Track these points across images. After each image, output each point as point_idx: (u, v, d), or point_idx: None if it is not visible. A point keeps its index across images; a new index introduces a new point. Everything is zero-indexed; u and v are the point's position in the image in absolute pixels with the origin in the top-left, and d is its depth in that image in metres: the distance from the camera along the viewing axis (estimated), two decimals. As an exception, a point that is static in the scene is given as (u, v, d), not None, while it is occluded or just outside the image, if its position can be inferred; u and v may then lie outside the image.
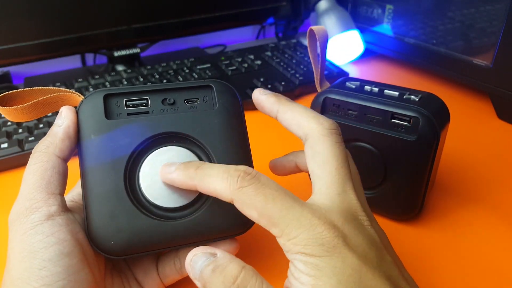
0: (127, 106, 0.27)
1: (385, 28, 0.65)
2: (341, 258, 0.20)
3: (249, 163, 0.28)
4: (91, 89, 0.55)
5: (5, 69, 0.63)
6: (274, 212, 0.21)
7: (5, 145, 0.45)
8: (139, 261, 0.29)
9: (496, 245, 0.35)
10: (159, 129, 0.27)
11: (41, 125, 0.48)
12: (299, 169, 0.30)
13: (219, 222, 0.27)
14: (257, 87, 0.57)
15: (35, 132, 0.47)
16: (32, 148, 0.44)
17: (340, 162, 0.24)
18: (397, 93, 0.34)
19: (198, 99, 0.28)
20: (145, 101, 0.27)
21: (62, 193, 0.25)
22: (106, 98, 0.27)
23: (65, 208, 0.24)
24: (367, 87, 0.35)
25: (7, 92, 0.27)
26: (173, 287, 0.31)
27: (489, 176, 0.43)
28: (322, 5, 0.69)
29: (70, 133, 0.25)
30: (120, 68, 0.65)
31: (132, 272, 0.29)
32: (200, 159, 0.27)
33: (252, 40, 0.88)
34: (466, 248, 0.34)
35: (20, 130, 0.47)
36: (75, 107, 0.27)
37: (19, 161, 0.45)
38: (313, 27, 0.31)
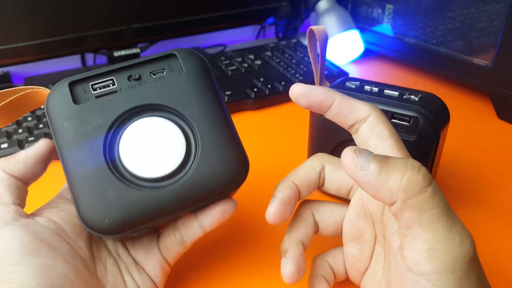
0: (94, 89, 0.27)
1: (385, 28, 0.65)
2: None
3: (226, 120, 0.28)
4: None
5: (5, 69, 0.63)
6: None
7: (5, 145, 0.45)
8: (138, 243, 0.29)
9: (496, 245, 0.35)
10: (130, 103, 0.26)
11: (41, 125, 0.48)
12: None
13: (209, 182, 0.26)
14: (257, 87, 0.57)
15: (35, 132, 0.47)
16: (32, 148, 0.45)
17: (397, 135, 0.26)
18: (397, 93, 0.34)
19: (164, 69, 0.28)
20: (111, 81, 0.27)
21: (16, 203, 0.25)
22: (71, 85, 0.26)
23: (23, 215, 0.24)
24: (367, 87, 0.35)
25: None
26: (174, 287, 0.31)
27: (489, 176, 0.43)
28: (322, 5, 0.69)
29: (30, 161, 0.26)
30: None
31: (132, 256, 0.28)
32: (178, 125, 0.27)
33: (252, 40, 0.88)
34: (466, 248, 0.34)
35: (20, 130, 0.47)
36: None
37: (19, 161, 0.45)
38: (313, 27, 0.31)
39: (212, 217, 0.28)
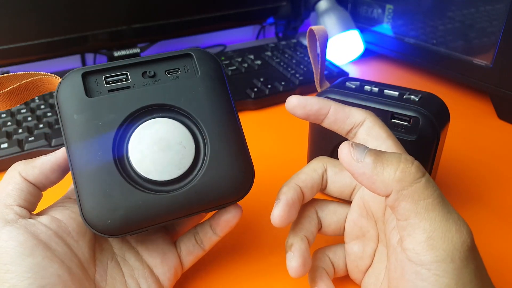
0: (107, 82, 0.26)
1: (385, 28, 0.65)
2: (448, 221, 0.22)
3: (237, 128, 0.27)
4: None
5: (5, 69, 0.63)
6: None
7: (5, 145, 0.45)
8: (154, 246, 0.29)
9: (496, 245, 0.35)
10: (143, 102, 0.26)
11: (41, 125, 0.48)
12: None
13: (215, 190, 0.26)
14: (257, 87, 0.57)
15: (35, 132, 0.47)
16: (32, 149, 0.45)
17: (394, 136, 0.26)
18: (397, 93, 0.34)
19: (179, 69, 0.28)
20: (125, 76, 0.26)
21: (23, 206, 0.25)
22: (84, 76, 0.26)
23: (24, 216, 0.25)
24: (367, 87, 0.35)
25: None
26: None
27: (489, 176, 0.43)
28: (322, 5, 0.69)
29: (46, 168, 0.26)
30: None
31: (141, 260, 0.28)
32: (188, 128, 0.26)
33: (252, 40, 0.88)
34: (466, 248, 0.34)
35: (20, 130, 0.47)
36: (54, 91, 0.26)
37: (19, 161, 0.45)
38: (313, 27, 0.31)
39: (220, 225, 0.29)
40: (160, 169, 0.25)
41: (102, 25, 0.60)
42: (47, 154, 0.26)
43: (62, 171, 0.27)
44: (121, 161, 0.25)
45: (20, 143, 0.45)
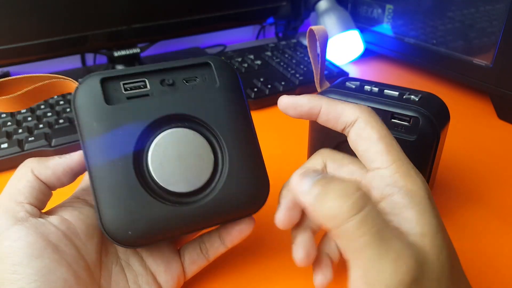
0: (125, 89, 0.26)
1: (385, 28, 0.65)
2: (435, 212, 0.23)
3: (254, 141, 0.28)
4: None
5: (5, 69, 0.63)
6: (393, 143, 0.24)
7: (5, 145, 0.45)
8: (159, 253, 0.28)
9: (496, 245, 0.35)
10: (163, 111, 0.26)
11: (41, 125, 0.48)
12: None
13: (233, 203, 0.26)
14: (257, 87, 0.57)
15: (35, 132, 0.47)
16: (32, 149, 0.45)
17: (390, 135, 0.25)
18: (397, 93, 0.34)
19: (197, 77, 0.27)
20: (143, 83, 0.26)
21: (34, 204, 0.25)
22: (103, 82, 0.25)
23: (34, 215, 0.24)
24: (367, 87, 0.35)
25: None
26: None
27: (489, 176, 0.43)
28: (322, 5, 0.69)
29: (59, 169, 0.26)
30: (120, 68, 0.65)
31: (145, 266, 0.28)
32: (207, 139, 0.26)
33: (252, 40, 0.88)
34: (466, 248, 0.34)
35: (20, 130, 0.47)
36: (71, 94, 0.26)
37: (19, 161, 0.44)
38: (313, 27, 0.31)
39: (232, 236, 0.29)
40: (180, 181, 0.25)
41: (102, 25, 0.60)
42: (61, 155, 0.26)
43: (74, 175, 0.26)
44: (141, 172, 0.25)
45: (20, 143, 0.45)
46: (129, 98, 0.26)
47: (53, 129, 0.48)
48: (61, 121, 0.49)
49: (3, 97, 0.25)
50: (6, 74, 0.62)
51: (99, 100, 0.25)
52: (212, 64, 0.28)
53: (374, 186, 0.24)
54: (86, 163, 0.25)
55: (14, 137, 0.46)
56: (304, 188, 0.22)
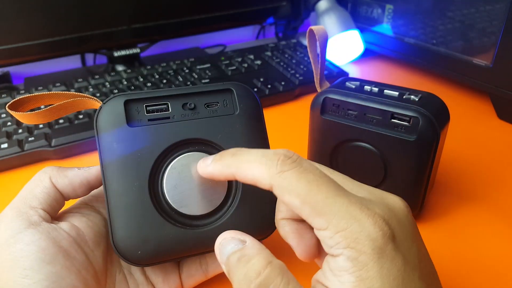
0: (148, 111, 0.27)
1: (385, 28, 0.65)
2: (390, 258, 0.18)
3: None
4: (91, 89, 0.55)
5: (5, 69, 0.63)
6: (319, 199, 0.19)
7: (5, 145, 0.45)
8: (158, 265, 0.29)
9: (496, 245, 0.35)
10: (182, 135, 0.26)
11: (41, 125, 0.48)
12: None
13: (244, 228, 0.26)
14: (257, 87, 0.57)
15: (35, 132, 0.47)
16: (32, 149, 0.45)
17: (312, 185, 0.20)
18: (397, 93, 0.34)
19: (218, 103, 0.28)
20: (165, 106, 0.27)
21: (47, 210, 0.25)
22: (126, 103, 0.26)
23: (47, 219, 0.25)
24: (367, 87, 0.35)
25: (21, 97, 0.27)
26: None
27: (489, 176, 0.43)
28: (322, 5, 0.69)
29: (76, 181, 0.26)
30: (120, 68, 0.65)
31: (145, 276, 0.28)
32: None
33: (252, 40, 0.88)
34: (466, 248, 0.34)
35: (20, 130, 0.47)
36: (93, 112, 0.27)
37: (19, 161, 0.45)
38: (313, 27, 0.31)
39: None
40: (192, 204, 0.26)
41: (102, 25, 0.60)
42: (80, 167, 0.27)
43: (89, 188, 0.27)
44: (155, 193, 0.26)
45: (20, 143, 0.45)
46: (150, 120, 0.26)
47: (53, 129, 0.48)
48: (61, 121, 0.49)
49: (30, 113, 0.26)
50: (6, 74, 0.62)
51: (121, 121, 0.26)
52: (234, 90, 0.28)
53: (323, 244, 0.20)
54: (103, 180, 0.25)
55: (14, 137, 0.46)
56: (223, 257, 0.22)
